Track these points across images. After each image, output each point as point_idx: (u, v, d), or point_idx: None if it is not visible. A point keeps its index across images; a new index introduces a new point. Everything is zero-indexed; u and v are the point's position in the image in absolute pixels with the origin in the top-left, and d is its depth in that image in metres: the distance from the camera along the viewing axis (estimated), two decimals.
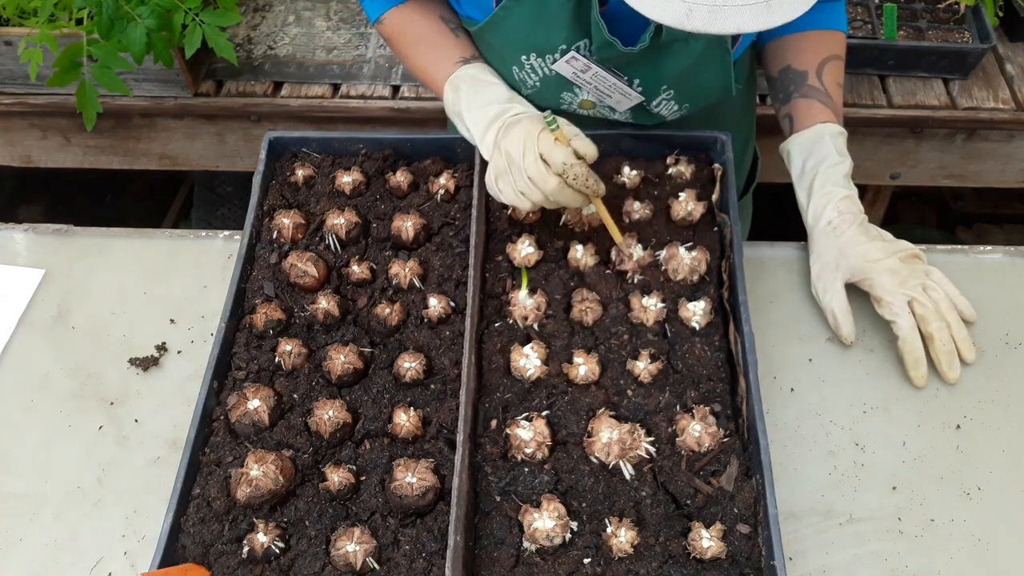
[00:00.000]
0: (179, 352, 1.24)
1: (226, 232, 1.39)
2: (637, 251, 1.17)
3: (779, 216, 1.68)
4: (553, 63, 1.17)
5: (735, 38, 1.18)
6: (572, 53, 1.14)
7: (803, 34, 1.29)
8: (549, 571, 0.94)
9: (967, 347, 1.16)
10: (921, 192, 2.85)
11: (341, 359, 1.08)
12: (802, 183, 1.25)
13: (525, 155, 1.08)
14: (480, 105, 1.17)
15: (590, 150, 1.09)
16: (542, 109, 1.20)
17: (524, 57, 1.19)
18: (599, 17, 1.09)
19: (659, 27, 1.09)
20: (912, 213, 2.87)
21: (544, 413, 1.04)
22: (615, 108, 1.24)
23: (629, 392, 1.06)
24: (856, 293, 1.21)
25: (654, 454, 1.01)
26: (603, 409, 1.04)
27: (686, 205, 1.21)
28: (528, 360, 1.08)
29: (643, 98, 1.21)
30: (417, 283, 1.17)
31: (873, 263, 1.17)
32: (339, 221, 1.22)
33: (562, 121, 1.10)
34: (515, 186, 1.10)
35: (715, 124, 1.32)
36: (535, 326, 1.13)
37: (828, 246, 1.20)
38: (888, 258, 1.17)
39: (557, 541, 0.94)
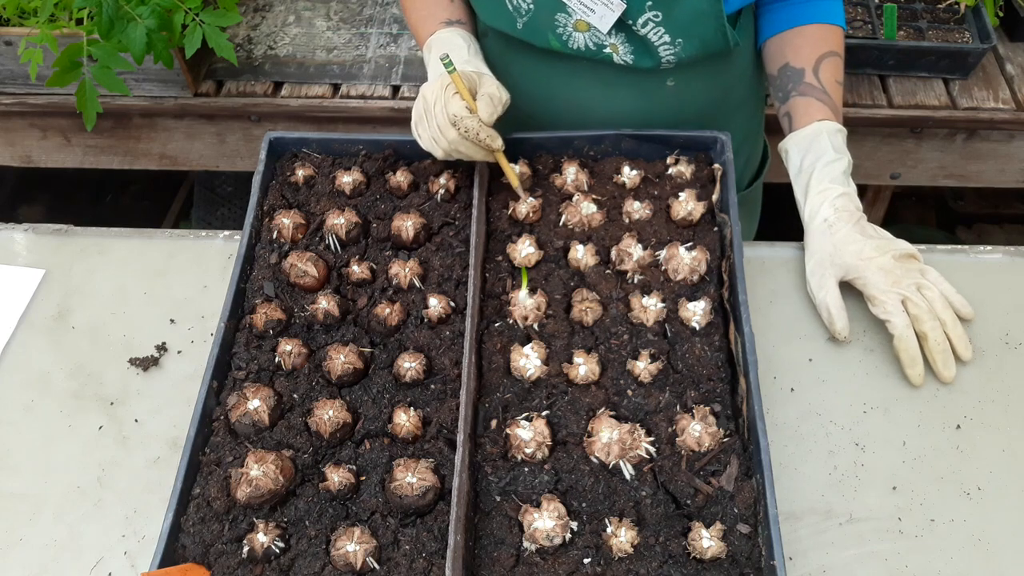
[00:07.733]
0: (179, 352, 1.24)
1: (226, 232, 1.39)
2: (637, 251, 1.17)
3: (782, 216, 1.68)
4: None
5: None
6: None
7: (799, 30, 1.29)
8: (549, 571, 0.94)
9: (963, 345, 1.16)
10: (921, 192, 2.85)
11: (341, 359, 1.08)
12: (799, 181, 1.25)
13: (435, 103, 1.13)
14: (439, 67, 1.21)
15: (478, 104, 1.12)
16: (542, 37, 1.21)
17: None
18: None
19: None
20: (912, 213, 2.88)
21: (544, 413, 1.04)
22: (600, 29, 1.23)
23: (629, 392, 1.06)
24: (855, 292, 1.21)
25: (654, 454, 1.01)
26: (603, 409, 1.04)
27: (686, 205, 1.21)
28: (528, 360, 1.08)
29: (625, 5, 1.19)
30: (417, 283, 1.17)
31: (866, 261, 1.17)
32: (339, 221, 1.22)
33: (468, 69, 1.14)
34: (430, 132, 1.15)
35: (721, 99, 1.31)
36: (535, 326, 1.13)
37: (823, 243, 1.20)
38: (881, 256, 1.17)
39: (557, 541, 0.94)
